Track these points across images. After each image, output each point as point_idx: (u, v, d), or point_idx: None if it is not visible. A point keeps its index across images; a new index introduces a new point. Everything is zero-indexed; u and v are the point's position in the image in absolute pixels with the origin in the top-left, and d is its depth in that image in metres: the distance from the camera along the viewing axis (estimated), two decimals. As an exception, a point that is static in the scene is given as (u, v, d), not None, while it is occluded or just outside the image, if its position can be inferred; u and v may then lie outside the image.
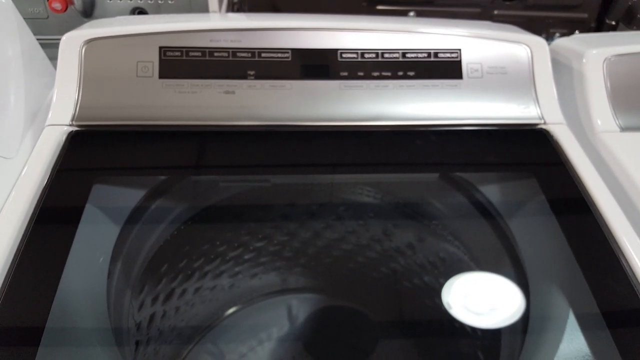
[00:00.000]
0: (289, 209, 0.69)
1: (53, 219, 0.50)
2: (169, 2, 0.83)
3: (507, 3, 0.88)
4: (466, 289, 0.56)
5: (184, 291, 0.65)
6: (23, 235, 0.47)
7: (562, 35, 0.89)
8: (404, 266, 0.70)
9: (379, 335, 0.66)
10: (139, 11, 0.83)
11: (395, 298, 0.69)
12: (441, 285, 0.57)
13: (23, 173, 0.53)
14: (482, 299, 0.55)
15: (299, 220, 0.69)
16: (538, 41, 0.65)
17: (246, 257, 0.69)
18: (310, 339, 0.64)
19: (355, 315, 0.68)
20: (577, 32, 0.90)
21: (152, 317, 0.60)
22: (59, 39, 0.61)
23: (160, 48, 0.60)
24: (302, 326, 0.66)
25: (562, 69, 0.69)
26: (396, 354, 0.64)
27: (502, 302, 0.54)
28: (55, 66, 0.61)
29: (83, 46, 0.60)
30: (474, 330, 0.57)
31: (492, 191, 0.61)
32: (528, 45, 0.64)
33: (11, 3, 0.63)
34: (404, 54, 0.63)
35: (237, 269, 0.69)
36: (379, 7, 0.88)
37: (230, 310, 0.68)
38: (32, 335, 0.41)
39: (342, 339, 0.65)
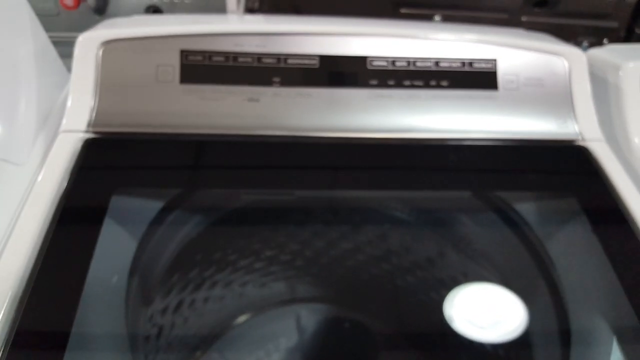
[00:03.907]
0: (304, 217, 0.66)
1: (71, 233, 0.47)
2: (185, 0, 0.80)
3: (536, 10, 0.86)
4: (469, 301, 0.54)
5: (192, 301, 0.63)
6: (39, 251, 0.44)
7: (590, 43, 0.87)
8: (422, 279, 0.67)
9: (390, 349, 0.63)
10: (154, 9, 0.80)
11: (409, 311, 0.67)
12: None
13: (37, 182, 0.50)
14: (485, 311, 0.53)
15: (313, 229, 0.67)
16: (576, 53, 0.62)
17: (256, 266, 0.67)
18: (318, 351, 0.62)
19: (365, 328, 0.66)
20: (605, 40, 0.87)
21: (161, 328, 0.58)
22: (70, 37, 0.57)
23: (182, 51, 0.57)
24: (310, 337, 0.64)
25: (596, 81, 0.66)
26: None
27: (504, 315, 0.52)
28: (65, 64, 0.57)
29: (100, 48, 0.56)
30: (495, 348, 0.55)
31: (528, 210, 0.59)
32: (566, 57, 0.62)
33: (25, 0, 0.60)
34: (437, 63, 0.60)
35: (246, 278, 0.67)
36: (403, 11, 0.85)
37: (238, 320, 0.66)
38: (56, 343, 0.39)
39: (351, 351, 0.63)
